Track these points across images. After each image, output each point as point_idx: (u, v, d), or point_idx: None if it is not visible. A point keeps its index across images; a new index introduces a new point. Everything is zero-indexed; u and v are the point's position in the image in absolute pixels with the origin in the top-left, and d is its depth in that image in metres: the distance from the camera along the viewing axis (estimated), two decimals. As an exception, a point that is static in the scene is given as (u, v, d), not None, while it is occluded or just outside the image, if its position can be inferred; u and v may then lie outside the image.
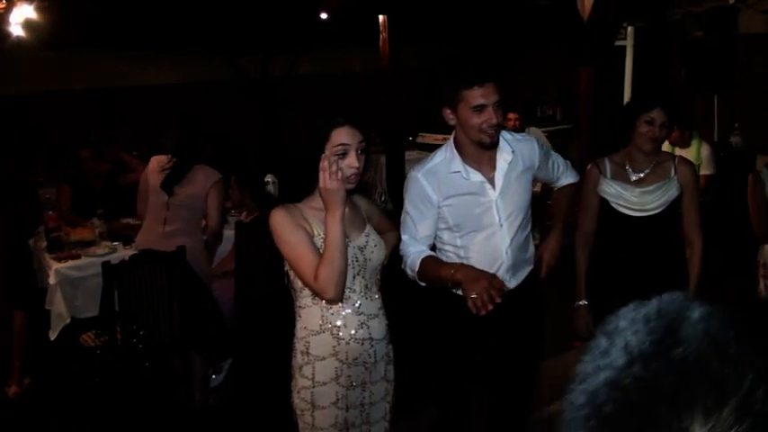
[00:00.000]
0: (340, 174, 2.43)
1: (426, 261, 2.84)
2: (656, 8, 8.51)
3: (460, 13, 8.36)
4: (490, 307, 2.51)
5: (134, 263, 4.12)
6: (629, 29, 8.90)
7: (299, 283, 2.57)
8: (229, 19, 7.81)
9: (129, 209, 5.10)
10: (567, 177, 3.23)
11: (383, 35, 7.74)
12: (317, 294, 2.51)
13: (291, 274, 2.59)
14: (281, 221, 2.52)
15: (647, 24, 8.77)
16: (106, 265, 4.10)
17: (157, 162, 4.48)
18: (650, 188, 3.31)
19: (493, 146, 2.81)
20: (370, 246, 2.64)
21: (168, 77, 9.13)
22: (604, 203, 3.40)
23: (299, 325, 2.62)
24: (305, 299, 2.58)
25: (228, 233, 5.03)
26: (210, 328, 4.60)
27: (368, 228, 2.65)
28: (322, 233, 2.51)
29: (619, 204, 3.35)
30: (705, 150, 5.90)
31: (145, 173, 4.60)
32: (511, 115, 6.31)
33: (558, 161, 3.17)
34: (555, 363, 3.86)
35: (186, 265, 4.23)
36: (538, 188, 4.78)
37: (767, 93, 8.11)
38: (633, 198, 3.33)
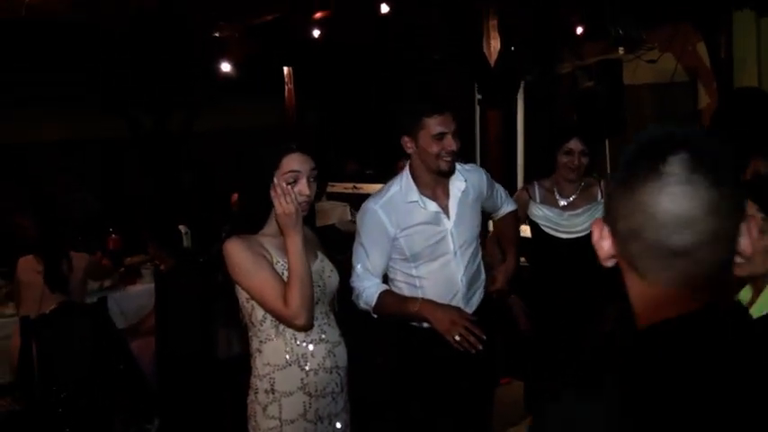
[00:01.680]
0: (294, 196, 2.37)
1: (385, 296, 2.86)
2: (544, 63, 9.06)
3: (358, 70, 8.50)
4: (480, 347, 2.64)
5: (55, 316, 3.84)
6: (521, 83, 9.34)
7: (258, 316, 2.46)
8: (123, 71, 7.59)
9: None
10: (507, 206, 3.30)
11: (288, 87, 7.73)
12: (286, 322, 2.41)
13: (249, 307, 2.48)
14: (238, 251, 2.43)
15: (535, 78, 9.28)
16: (25, 320, 3.80)
17: (26, 264, 4.34)
18: (578, 211, 3.45)
19: (450, 173, 2.88)
20: (327, 271, 2.60)
21: (60, 134, 8.73)
22: (534, 226, 3.51)
23: (259, 362, 2.50)
24: (267, 332, 2.47)
25: (146, 287, 4.87)
26: (130, 387, 4.35)
27: (320, 254, 2.59)
28: (280, 260, 2.45)
29: (547, 227, 3.47)
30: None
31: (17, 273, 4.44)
32: (404, 162, 6.42)
33: (500, 191, 3.25)
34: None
35: (109, 317, 4.00)
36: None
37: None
38: (562, 221, 3.46)
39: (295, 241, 2.39)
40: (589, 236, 3.42)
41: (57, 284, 4.25)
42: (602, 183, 3.58)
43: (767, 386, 0.87)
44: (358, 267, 2.91)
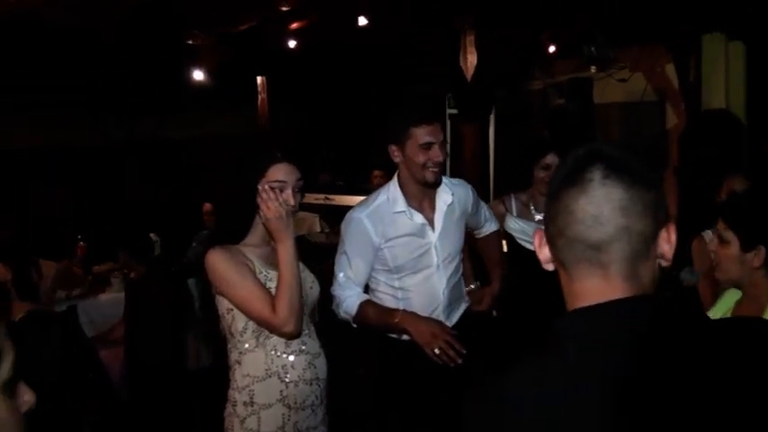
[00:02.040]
0: (282, 201, 2.37)
1: (366, 306, 2.86)
2: (516, 81, 9.19)
3: (336, 76, 8.50)
4: (459, 361, 2.65)
5: (24, 325, 3.75)
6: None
7: (239, 327, 2.44)
8: (94, 77, 7.49)
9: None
10: (491, 225, 3.31)
11: (261, 96, 7.70)
12: (274, 330, 2.39)
13: (230, 318, 2.45)
14: (221, 261, 2.40)
15: (508, 94, 9.40)
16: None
17: None
18: None
19: (436, 185, 2.87)
20: (308, 281, 2.60)
21: (30, 140, 8.56)
22: (510, 238, 3.52)
23: (238, 374, 2.47)
24: (247, 343, 2.45)
25: (115, 296, 4.80)
26: (99, 395, 4.27)
27: (301, 264, 2.57)
28: (263, 270, 2.44)
29: (523, 240, 3.49)
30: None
31: None
32: (376, 173, 6.46)
33: (484, 209, 3.26)
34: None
35: (79, 326, 3.94)
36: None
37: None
38: None
39: (287, 246, 2.37)
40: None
41: (26, 292, 4.15)
42: None
43: (671, 367, 0.99)
44: (340, 276, 2.89)
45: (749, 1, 6.07)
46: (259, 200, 2.37)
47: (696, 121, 6.96)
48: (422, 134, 2.77)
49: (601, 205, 1.04)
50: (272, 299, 2.36)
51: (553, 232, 1.11)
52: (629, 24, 7.11)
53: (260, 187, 2.38)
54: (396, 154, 2.86)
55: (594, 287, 1.07)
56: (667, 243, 1.09)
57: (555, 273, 3.16)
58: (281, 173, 2.42)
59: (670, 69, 7.85)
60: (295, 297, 2.36)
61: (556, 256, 1.13)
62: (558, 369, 1.02)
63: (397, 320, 2.77)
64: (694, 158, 6.58)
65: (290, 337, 2.41)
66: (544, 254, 1.16)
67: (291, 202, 2.42)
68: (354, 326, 2.91)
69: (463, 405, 1.19)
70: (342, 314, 2.89)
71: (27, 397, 1.30)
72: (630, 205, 1.04)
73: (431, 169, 2.80)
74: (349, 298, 2.87)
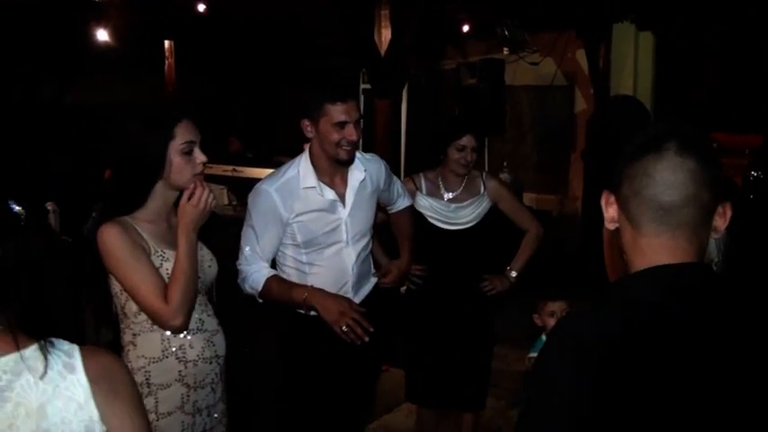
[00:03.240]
0: (210, 197, 2.28)
1: (272, 281, 2.80)
2: (430, 59, 9.22)
3: (247, 46, 8.29)
4: (366, 339, 2.64)
5: None
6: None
7: (133, 308, 2.31)
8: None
9: None
10: (404, 200, 3.28)
11: (169, 61, 7.43)
12: (161, 321, 2.26)
13: (123, 298, 2.32)
14: (116, 240, 2.25)
15: (419, 73, 9.42)
16: None
17: None
18: (464, 204, 3.49)
19: (349, 163, 2.83)
20: (207, 260, 2.49)
21: None
22: (419, 216, 3.51)
23: (132, 355, 2.34)
24: (141, 324, 2.32)
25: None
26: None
27: (199, 242, 2.46)
28: (158, 249, 2.31)
29: (433, 218, 3.49)
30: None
31: None
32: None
33: (397, 184, 3.23)
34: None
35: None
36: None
37: (532, 136, 8.99)
38: (448, 213, 3.48)
39: (191, 241, 2.27)
40: (472, 228, 3.45)
41: None
42: (483, 176, 3.61)
43: (732, 323, 1.16)
44: (246, 250, 2.81)
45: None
46: (192, 191, 2.25)
47: (603, 106, 7.12)
48: (337, 112, 2.71)
49: (676, 172, 1.19)
50: (165, 287, 2.25)
51: (627, 193, 1.24)
52: (543, 9, 7.21)
53: (170, 151, 2.26)
54: (309, 129, 2.79)
55: (661, 245, 1.22)
56: (722, 218, 1.24)
57: (464, 252, 3.17)
58: (189, 132, 2.29)
59: (580, 55, 8.02)
60: (190, 292, 2.26)
61: (626, 215, 1.26)
62: (635, 313, 1.18)
63: (304, 297, 2.72)
64: (601, 142, 6.74)
65: (176, 330, 2.29)
66: (610, 213, 1.30)
67: (204, 158, 2.32)
68: (260, 301, 2.84)
69: (547, 343, 1.29)
70: (247, 289, 2.82)
71: None
72: (700, 177, 1.19)
73: (344, 148, 2.75)
74: (255, 272, 2.80)
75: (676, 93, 7.56)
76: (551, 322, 3.15)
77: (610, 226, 1.30)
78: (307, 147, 2.88)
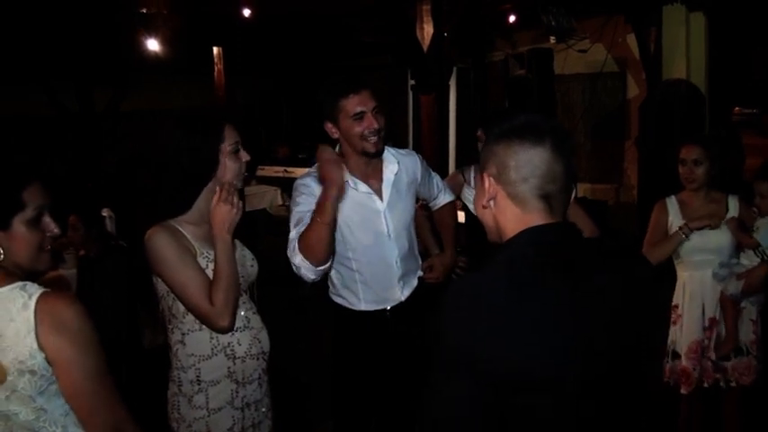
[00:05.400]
0: (238, 202, 2.31)
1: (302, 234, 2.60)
2: (477, 51, 9.17)
3: (294, 48, 8.36)
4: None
5: None
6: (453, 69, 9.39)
7: (181, 308, 2.34)
8: (46, 44, 7.25)
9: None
10: (445, 196, 3.25)
11: (218, 67, 7.54)
12: (208, 321, 2.30)
13: (170, 299, 2.35)
14: (164, 243, 2.29)
15: (468, 65, 9.38)
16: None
17: None
18: None
19: (378, 154, 2.79)
20: (248, 260, 2.52)
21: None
22: (466, 209, 3.47)
23: (182, 353, 2.37)
24: (189, 324, 2.36)
25: (67, 273, 4.68)
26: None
27: (238, 242, 2.49)
28: (204, 251, 2.34)
29: None
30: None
31: None
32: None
33: (436, 179, 3.20)
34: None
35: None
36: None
37: (584, 125, 8.85)
38: None
39: (226, 241, 2.28)
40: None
41: None
42: None
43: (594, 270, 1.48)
44: (292, 234, 2.68)
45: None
46: (220, 192, 2.29)
47: (657, 92, 6.96)
48: (352, 104, 2.69)
49: (557, 165, 1.43)
50: (211, 287, 2.29)
51: (515, 177, 1.45)
52: (590, -5, 7.09)
53: (222, 152, 2.31)
54: (333, 131, 2.78)
55: (542, 218, 1.46)
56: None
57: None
58: (234, 133, 2.36)
59: (631, 40, 7.85)
60: (233, 292, 2.29)
61: (510, 194, 1.47)
62: (524, 267, 1.41)
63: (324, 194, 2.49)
64: (655, 128, 6.59)
65: (223, 331, 2.32)
66: (491, 193, 1.49)
67: (248, 157, 2.39)
68: (319, 269, 2.61)
69: (445, 299, 1.42)
70: (301, 272, 2.62)
71: None
72: (568, 169, 1.46)
73: (369, 139, 2.71)
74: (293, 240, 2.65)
75: (731, 76, 7.34)
76: None
77: (488, 204, 1.51)
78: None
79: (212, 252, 2.34)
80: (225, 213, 2.28)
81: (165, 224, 2.32)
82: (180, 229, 2.34)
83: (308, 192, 2.77)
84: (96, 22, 6.97)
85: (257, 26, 7.19)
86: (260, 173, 9.05)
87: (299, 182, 2.84)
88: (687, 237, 3.27)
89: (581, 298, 1.40)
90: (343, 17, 7.16)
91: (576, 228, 1.53)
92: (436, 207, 3.26)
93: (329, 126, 2.77)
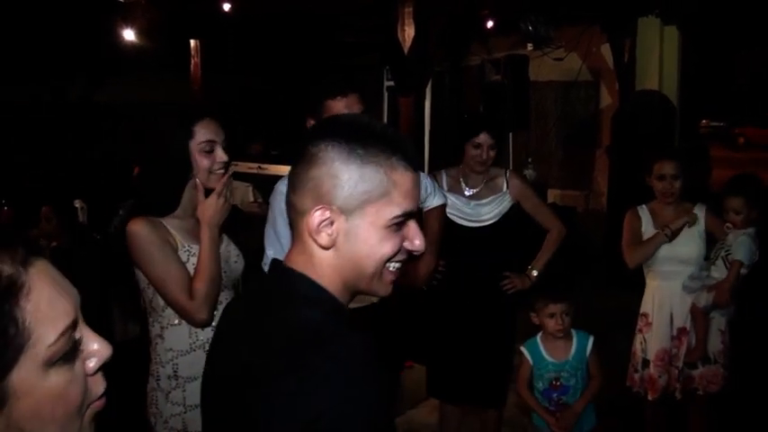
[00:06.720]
0: (229, 195, 2.29)
1: None
2: (454, 55, 9.21)
3: (272, 46, 8.33)
4: None
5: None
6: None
7: (161, 302, 2.32)
8: (19, 30, 7.13)
9: None
10: (434, 199, 3.25)
11: (195, 60, 7.48)
12: (186, 315, 2.28)
13: (150, 292, 2.33)
14: (144, 234, 2.25)
15: (444, 69, 9.42)
16: None
17: None
18: (484, 201, 3.48)
19: None
20: (233, 256, 2.49)
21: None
22: None
23: (161, 348, 2.35)
24: (168, 318, 2.34)
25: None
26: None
27: (225, 237, 2.48)
28: (186, 244, 2.31)
29: (452, 214, 3.48)
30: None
31: None
32: None
33: (426, 181, 3.19)
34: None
35: None
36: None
37: (556, 132, 8.96)
38: (468, 210, 3.48)
39: (213, 236, 2.27)
40: (494, 225, 3.43)
41: None
42: (506, 174, 3.61)
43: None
44: (270, 253, 2.80)
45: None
46: (216, 186, 2.27)
47: (629, 102, 7.08)
48: (338, 107, 2.66)
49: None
50: (191, 281, 2.28)
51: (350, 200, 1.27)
52: (567, 4, 7.17)
53: (192, 150, 2.28)
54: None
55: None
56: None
57: (485, 249, 3.13)
58: (209, 131, 2.27)
59: (605, 50, 7.97)
60: (214, 287, 2.27)
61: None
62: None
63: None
64: (626, 138, 6.70)
65: (201, 325, 2.30)
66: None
67: (225, 158, 2.29)
68: None
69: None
70: None
71: None
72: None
73: None
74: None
75: (702, 88, 7.49)
76: (550, 323, 3.12)
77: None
78: None
79: (194, 246, 2.32)
80: (217, 207, 2.26)
81: (146, 217, 2.30)
82: (162, 220, 2.32)
83: (285, 204, 2.76)
84: (71, 10, 6.87)
85: (235, 21, 7.15)
86: (234, 169, 8.96)
87: (279, 188, 2.80)
88: (669, 238, 3.35)
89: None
90: (326, 17, 7.16)
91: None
92: (426, 209, 3.27)
93: (311, 122, 2.77)
